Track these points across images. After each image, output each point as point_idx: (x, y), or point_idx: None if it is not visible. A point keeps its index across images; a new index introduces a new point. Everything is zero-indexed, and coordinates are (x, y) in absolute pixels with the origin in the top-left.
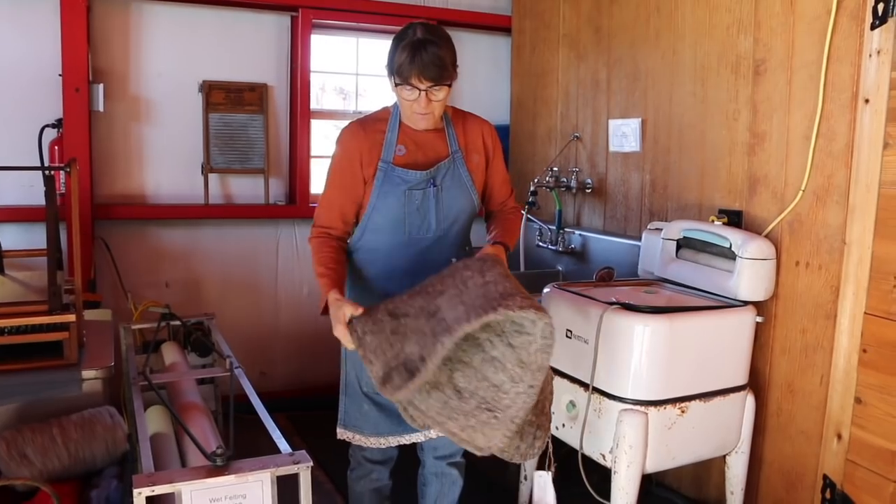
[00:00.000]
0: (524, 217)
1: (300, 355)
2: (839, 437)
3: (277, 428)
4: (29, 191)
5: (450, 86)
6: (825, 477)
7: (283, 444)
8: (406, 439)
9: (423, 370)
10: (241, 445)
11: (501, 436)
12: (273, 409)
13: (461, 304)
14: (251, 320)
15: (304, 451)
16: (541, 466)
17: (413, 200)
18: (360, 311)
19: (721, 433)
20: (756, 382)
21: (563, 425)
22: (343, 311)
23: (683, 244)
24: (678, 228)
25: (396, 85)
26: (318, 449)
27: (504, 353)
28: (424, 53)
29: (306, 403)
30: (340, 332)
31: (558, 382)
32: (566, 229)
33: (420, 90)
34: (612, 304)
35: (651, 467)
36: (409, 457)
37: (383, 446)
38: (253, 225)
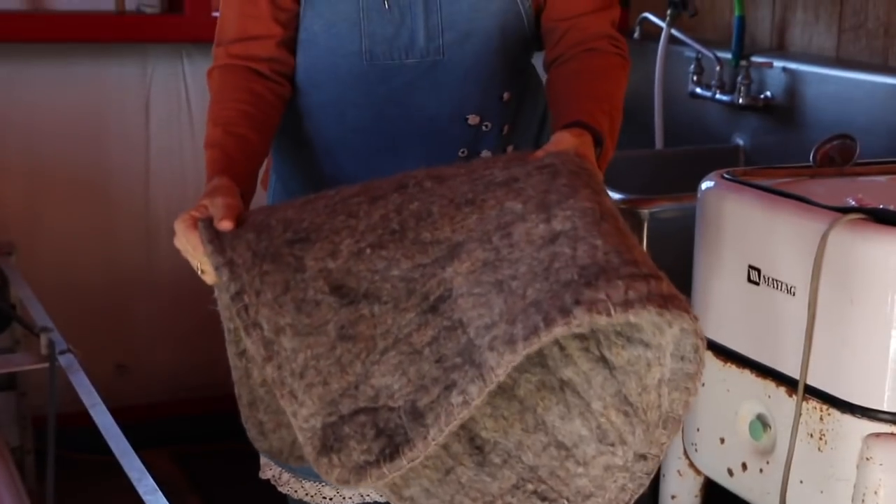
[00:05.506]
0: (664, 43)
1: (199, 329)
2: None
3: (151, 476)
4: None
5: None
6: None
7: None
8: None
9: (419, 442)
10: None
11: None
12: (144, 438)
13: (499, 294)
14: (96, 260)
15: None
16: None
17: None
18: (229, 223)
19: None
20: None
21: (744, 467)
22: (210, 205)
23: None
24: None
25: None
26: None
27: (589, 378)
28: None
29: (213, 426)
30: (182, 241)
31: (734, 376)
32: (753, 58)
33: None
34: (847, 210)
35: None
36: None
37: (331, 503)
38: (95, 58)
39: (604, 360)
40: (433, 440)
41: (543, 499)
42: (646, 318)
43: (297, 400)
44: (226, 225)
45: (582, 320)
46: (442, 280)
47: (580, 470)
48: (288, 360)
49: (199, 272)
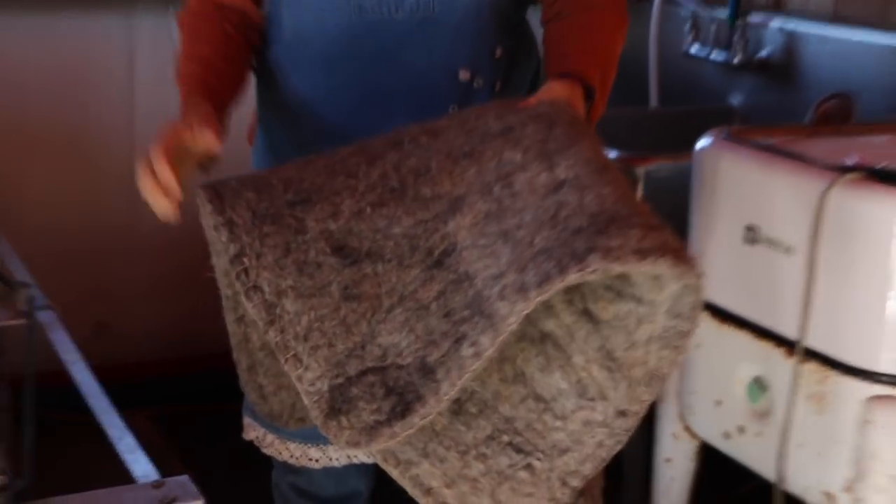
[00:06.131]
0: (659, 1)
1: (182, 285)
2: None
3: (132, 434)
4: None
5: None
6: None
7: (140, 467)
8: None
9: (431, 398)
10: (54, 471)
11: None
12: (124, 399)
13: (505, 244)
14: (77, 214)
15: (183, 479)
16: None
17: None
18: (213, 139)
19: None
20: None
21: (741, 430)
22: (189, 123)
23: None
24: None
25: None
26: (222, 476)
27: (571, 331)
28: None
29: (196, 386)
30: (147, 173)
31: (731, 337)
32: (751, 18)
33: None
34: (846, 169)
35: None
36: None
37: (316, 465)
38: (80, 11)
39: (588, 314)
40: (445, 395)
41: (518, 451)
42: (660, 269)
43: (301, 363)
44: (209, 136)
45: (597, 268)
46: (445, 234)
47: (558, 423)
48: (291, 322)
49: (151, 199)
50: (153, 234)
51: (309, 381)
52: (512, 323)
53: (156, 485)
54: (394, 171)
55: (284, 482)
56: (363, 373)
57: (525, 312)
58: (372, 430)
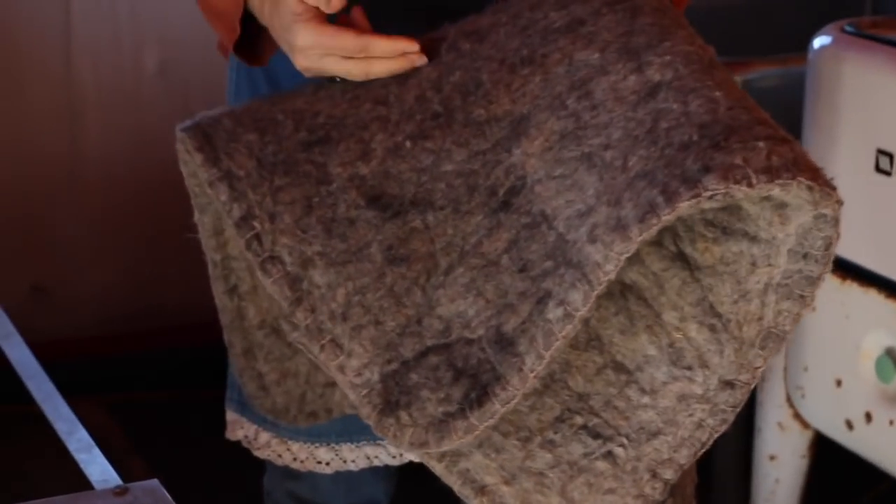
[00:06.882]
0: None
1: (140, 239)
2: None
3: (85, 429)
4: None
5: None
6: None
7: (96, 469)
8: (389, 450)
9: (514, 377)
10: None
11: None
12: (69, 383)
13: (590, 170)
14: (3, 150)
15: (152, 483)
16: None
17: None
18: None
19: None
20: None
21: (868, 418)
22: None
23: None
24: None
25: None
26: (199, 481)
27: (661, 281)
28: None
29: (158, 367)
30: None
31: (856, 297)
32: None
33: None
34: None
35: None
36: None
37: (327, 469)
38: None
39: (682, 259)
40: (531, 372)
41: (596, 436)
42: (792, 193)
43: (342, 350)
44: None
45: (715, 191)
46: (510, 167)
47: (645, 400)
48: (324, 299)
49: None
50: (101, 170)
51: (354, 370)
52: (609, 272)
53: (118, 491)
54: (434, 91)
55: (281, 490)
56: (423, 353)
57: (626, 256)
58: (441, 425)
